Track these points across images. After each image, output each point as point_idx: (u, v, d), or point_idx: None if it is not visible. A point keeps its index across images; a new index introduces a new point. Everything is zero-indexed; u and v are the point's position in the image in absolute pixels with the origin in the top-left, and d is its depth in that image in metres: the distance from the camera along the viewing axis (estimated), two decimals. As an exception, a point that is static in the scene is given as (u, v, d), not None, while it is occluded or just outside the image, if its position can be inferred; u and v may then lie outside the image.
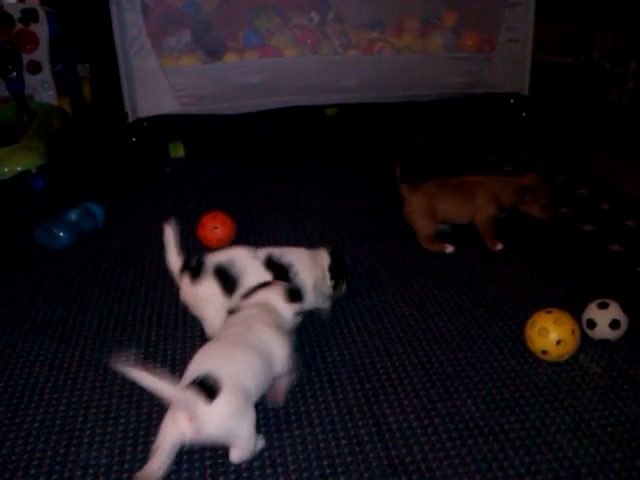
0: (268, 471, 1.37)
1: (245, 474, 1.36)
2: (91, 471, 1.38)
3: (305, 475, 1.35)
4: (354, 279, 2.15)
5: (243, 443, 1.35)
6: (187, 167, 3.53)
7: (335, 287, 1.93)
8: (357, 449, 1.42)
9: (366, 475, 1.35)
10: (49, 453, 1.43)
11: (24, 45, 3.86)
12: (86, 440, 1.46)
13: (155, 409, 1.55)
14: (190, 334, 1.87)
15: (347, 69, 3.85)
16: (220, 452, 1.41)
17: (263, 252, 1.86)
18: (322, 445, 1.43)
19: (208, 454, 1.41)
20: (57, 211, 2.59)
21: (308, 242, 2.06)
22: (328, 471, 1.36)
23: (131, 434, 1.48)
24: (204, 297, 1.77)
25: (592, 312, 1.77)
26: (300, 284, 1.81)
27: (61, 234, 2.42)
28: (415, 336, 1.85)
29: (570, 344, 1.68)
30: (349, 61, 3.94)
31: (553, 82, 4.78)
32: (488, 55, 4.03)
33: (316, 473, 1.36)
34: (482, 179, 2.43)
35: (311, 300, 1.85)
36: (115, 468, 1.38)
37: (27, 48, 3.90)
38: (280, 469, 1.37)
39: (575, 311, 1.79)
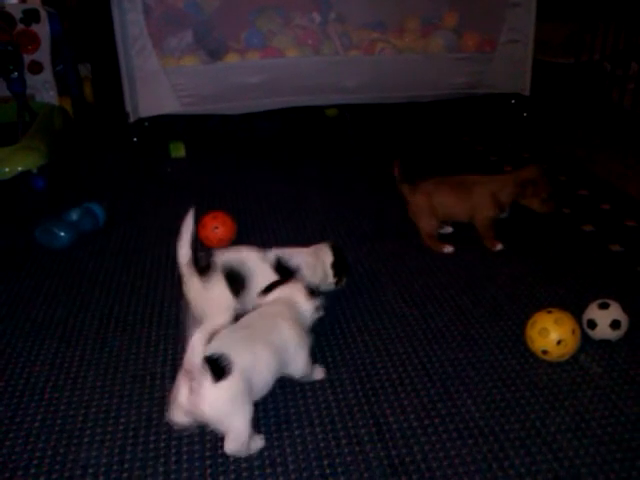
0: (268, 470, 1.37)
1: (245, 474, 1.36)
2: (91, 470, 1.38)
3: (305, 475, 1.35)
4: (354, 279, 2.15)
5: (234, 434, 1.35)
6: (188, 167, 3.53)
7: (337, 283, 1.97)
8: (357, 449, 1.42)
9: (366, 475, 1.35)
10: (49, 452, 1.43)
11: (25, 45, 3.86)
12: (86, 440, 1.46)
13: (155, 409, 1.55)
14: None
15: (348, 69, 3.85)
16: (220, 452, 1.41)
17: (272, 255, 1.87)
18: (322, 445, 1.43)
19: (208, 454, 1.41)
20: (58, 211, 2.59)
21: (308, 242, 2.06)
22: (328, 471, 1.36)
23: (131, 434, 1.48)
24: (211, 296, 1.76)
25: (593, 312, 1.77)
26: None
27: (62, 234, 2.42)
28: (415, 336, 1.85)
29: (570, 344, 1.68)
30: (350, 61, 3.94)
31: (554, 83, 4.78)
32: (489, 55, 4.03)
33: (316, 473, 1.36)
34: (481, 179, 2.42)
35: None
36: (115, 468, 1.38)
37: (28, 48, 3.90)
38: (280, 469, 1.37)
39: (576, 311, 1.79)
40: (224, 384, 1.31)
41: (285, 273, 1.82)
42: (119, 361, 1.75)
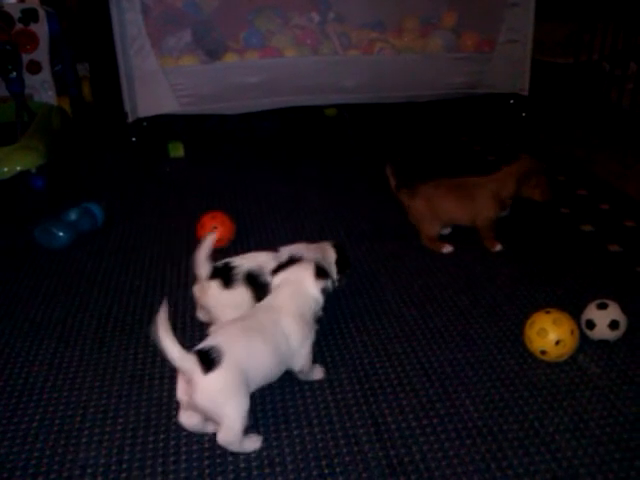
0: (266, 470, 1.37)
1: (243, 474, 1.36)
2: (89, 471, 1.38)
3: (303, 475, 1.35)
4: (354, 279, 2.15)
5: (227, 424, 1.36)
6: (187, 167, 3.53)
7: (339, 280, 1.96)
8: (356, 449, 1.42)
9: (364, 475, 1.35)
10: (47, 452, 1.43)
11: (24, 45, 3.85)
12: (85, 440, 1.46)
13: (153, 409, 1.55)
14: (189, 333, 1.87)
15: (347, 69, 3.85)
16: (219, 452, 1.41)
17: (285, 254, 1.87)
18: (321, 445, 1.43)
19: (207, 454, 1.41)
20: (57, 211, 2.59)
21: (308, 242, 2.05)
22: (326, 471, 1.36)
23: (129, 434, 1.48)
24: (233, 304, 1.74)
25: (591, 312, 1.77)
26: None
27: (61, 234, 2.42)
28: (414, 336, 1.85)
29: (569, 344, 1.68)
30: (349, 61, 3.94)
31: (553, 83, 4.78)
32: (488, 55, 4.03)
33: (314, 473, 1.36)
34: (480, 180, 2.39)
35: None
36: (113, 468, 1.38)
37: (27, 48, 3.89)
38: (278, 469, 1.37)
39: (574, 311, 1.79)
40: (214, 375, 1.34)
41: None
42: (117, 361, 1.75)
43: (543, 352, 1.69)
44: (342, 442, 1.44)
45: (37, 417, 1.54)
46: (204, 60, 3.75)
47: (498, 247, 2.37)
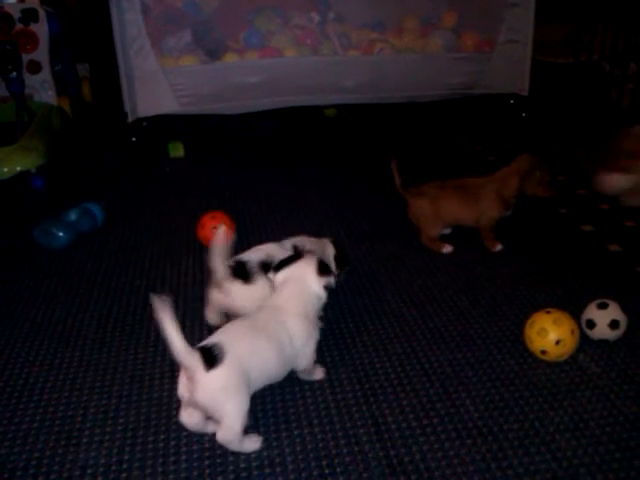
0: (267, 471, 1.37)
1: (244, 474, 1.36)
2: (90, 471, 1.38)
3: (304, 475, 1.35)
4: (354, 279, 2.15)
5: (227, 422, 1.36)
6: (187, 167, 3.53)
7: (338, 275, 1.95)
8: (356, 449, 1.42)
9: (365, 475, 1.35)
10: (48, 453, 1.43)
11: (24, 45, 3.85)
12: (85, 440, 1.46)
13: (154, 409, 1.55)
14: (189, 334, 1.86)
15: (347, 69, 3.86)
16: (219, 452, 1.41)
17: (288, 243, 1.91)
18: (321, 445, 1.43)
19: (207, 454, 1.41)
20: (56, 211, 2.59)
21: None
22: (327, 471, 1.36)
23: (130, 434, 1.48)
24: (259, 297, 1.72)
25: (591, 312, 1.77)
26: None
27: (60, 234, 2.42)
28: (414, 336, 1.85)
29: (569, 344, 1.68)
30: (349, 61, 3.95)
31: (553, 83, 4.78)
32: (488, 55, 4.03)
33: (315, 473, 1.36)
34: (482, 181, 2.38)
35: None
36: (114, 468, 1.38)
37: (27, 48, 3.89)
38: (279, 469, 1.37)
39: (574, 311, 1.79)
40: (216, 372, 1.34)
41: None
42: (118, 361, 1.75)
43: (543, 352, 1.69)
44: (342, 442, 1.44)
45: (37, 417, 1.54)
46: (204, 60, 3.76)
47: (498, 247, 2.37)
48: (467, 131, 4.05)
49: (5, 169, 3.02)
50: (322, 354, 1.76)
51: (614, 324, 1.74)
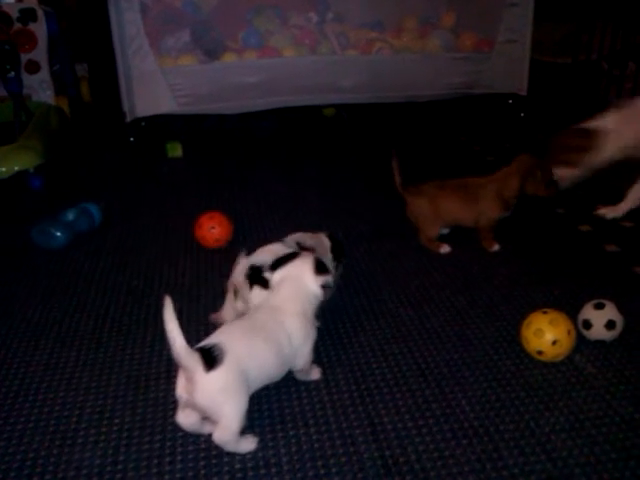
0: (262, 471, 1.36)
1: (239, 474, 1.36)
2: (84, 471, 1.37)
3: (299, 475, 1.35)
4: (351, 279, 2.15)
5: (224, 423, 1.36)
6: (185, 167, 3.53)
7: (335, 268, 1.95)
8: (351, 449, 1.42)
9: (360, 475, 1.35)
10: (43, 453, 1.42)
11: (22, 44, 3.86)
12: (80, 440, 1.46)
13: (150, 410, 1.55)
14: (187, 334, 1.86)
15: (345, 69, 3.86)
16: (214, 452, 1.41)
17: (290, 241, 1.90)
18: (316, 445, 1.43)
19: (202, 455, 1.41)
20: (54, 211, 2.59)
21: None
22: (322, 471, 1.36)
23: (125, 435, 1.47)
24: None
25: (588, 313, 1.77)
26: None
27: (58, 234, 2.42)
28: (411, 336, 1.85)
29: (566, 345, 1.68)
30: (347, 61, 3.95)
31: (551, 82, 4.78)
32: (487, 55, 4.04)
33: (310, 474, 1.36)
34: (482, 181, 2.37)
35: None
36: (109, 468, 1.38)
37: (25, 48, 3.90)
38: (274, 469, 1.37)
39: (571, 312, 1.79)
40: (215, 373, 1.33)
41: None
42: (114, 362, 1.75)
43: (540, 352, 1.69)
44: (338, 442, 1.44)
45: (33, 417, 1.54)
46: (203, 60, 3.76)
47: (496, 247, 2.36)
48: (466, 131, 4.05)
49: (3, 169, 3.03)
50: (319, 354, 1.75)
51: (610, 324, 1.74)
